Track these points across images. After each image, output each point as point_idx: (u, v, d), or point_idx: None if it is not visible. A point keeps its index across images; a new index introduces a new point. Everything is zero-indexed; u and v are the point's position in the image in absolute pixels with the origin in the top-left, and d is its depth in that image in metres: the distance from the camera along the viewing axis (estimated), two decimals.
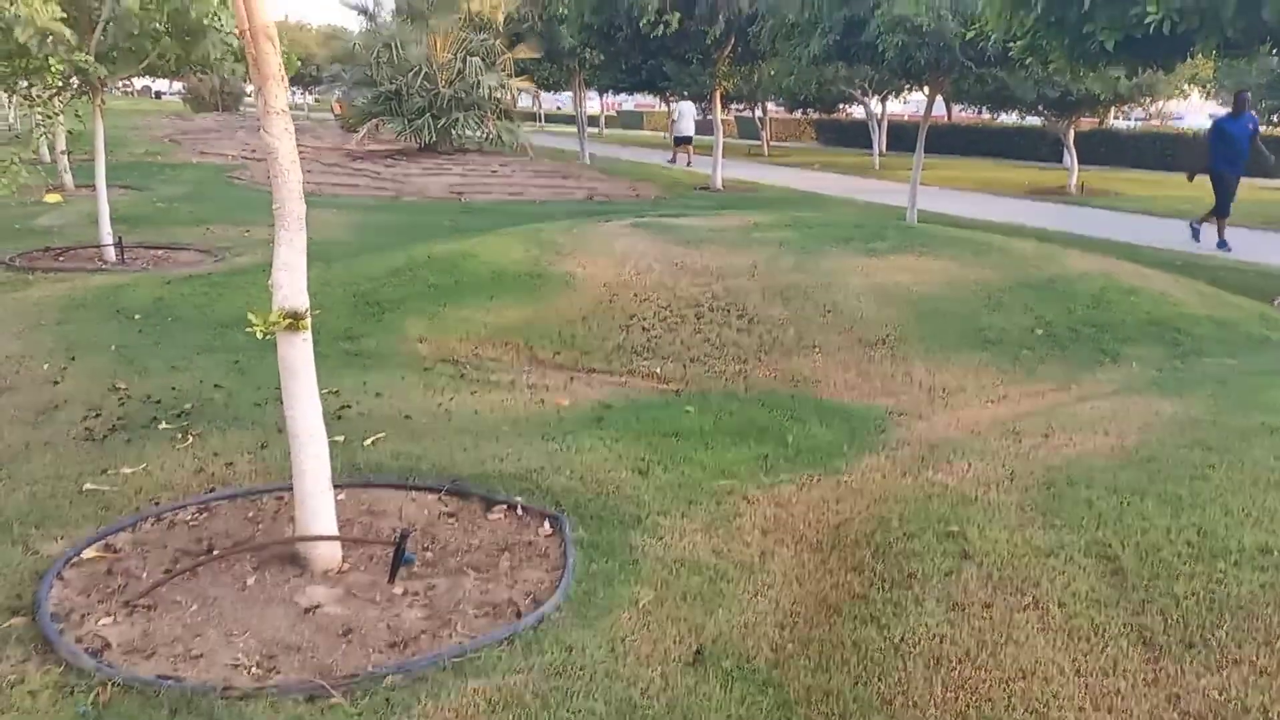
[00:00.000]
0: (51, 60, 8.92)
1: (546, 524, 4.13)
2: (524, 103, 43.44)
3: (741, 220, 9.79)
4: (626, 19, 19.26)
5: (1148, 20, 7.75)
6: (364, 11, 24.31)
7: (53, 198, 10.60)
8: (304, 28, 44.48)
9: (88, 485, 4.34)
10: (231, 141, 26.82)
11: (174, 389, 5.72)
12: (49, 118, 9.87)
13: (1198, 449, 4.18)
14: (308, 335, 3.64)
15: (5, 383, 5.83)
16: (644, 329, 6.94)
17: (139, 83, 51.02)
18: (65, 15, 9.02)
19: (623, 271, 7.85)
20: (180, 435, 4.98)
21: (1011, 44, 9.85)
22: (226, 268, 10.05)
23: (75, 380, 5.87)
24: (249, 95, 45.43)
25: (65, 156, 15.96)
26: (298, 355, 3.62)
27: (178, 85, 49.90)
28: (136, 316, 7.60)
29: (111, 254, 10.42)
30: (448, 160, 21.40)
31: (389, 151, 22.74)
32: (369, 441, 4.96)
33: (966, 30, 11.29)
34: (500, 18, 21.90)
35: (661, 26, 18.25)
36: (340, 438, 4.86)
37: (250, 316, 3.55)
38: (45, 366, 6.14)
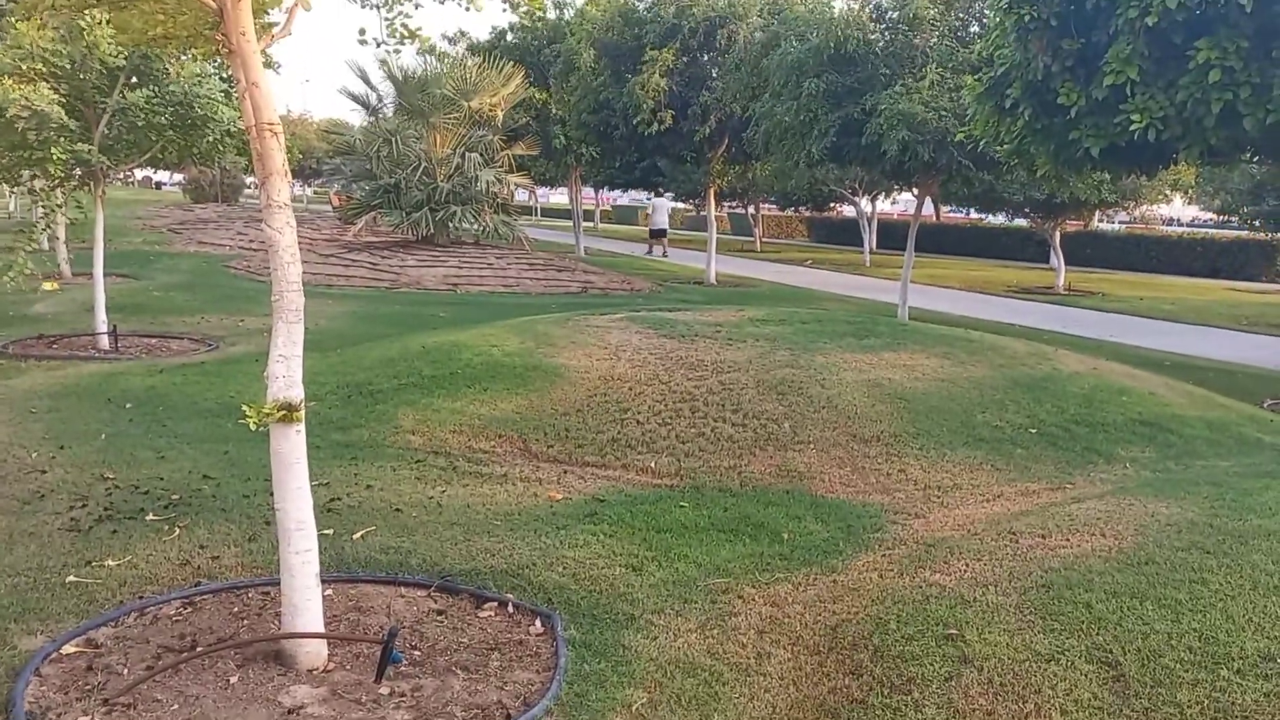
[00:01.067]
0: (54, 150, 9.07)
1: (538, 622, 4.06)
2: (521, 196, 44.36)
3: (736, 315, 9.85)
4: (623, 118, 19.77)
5: (1132, 128, 7.94)
6: (365, 104, 24.81)
7: (50, 285, 10.66)
8: (306, 121, 45.39)
9: (71, 577, 4.26)
10: (229, 232, 27.09)
11: (162, 479, 5.67)
12: (51, 210, 10.00)
13: (1195, 552, 4.15)
14: (301, 427, 3.62)
15: None
16: (638, 422, 6.92)
17: (140, 173, 51.79)
18: (64, 103, 9.20)
19: (617, 364, 7.87)
20: (167, 527, 4.91)
21: (998, 148, 10.08)
22: (220, 357, 10.06)
23: (63, 469, 5.81)
24: (249, 187, 46.13)
25: (64, 245, 16.10)
26: (291, 447, 3.60)
27: (178, 176, 50.64)
28: (128, 405, 7.57)
29: (105, 342, 10.43)
30: (444, 252, 21.62)
31: (386, 243, 22.98)
32: (358, 535, 4.89)
33: (959, 131, 11.56)
34: (500, 115, 22.38)
35: (656, 124, 18.74)
36: (329, 531, 4.80)
37: (244, 408, 3.54)
38: (34, 455, 6.08)
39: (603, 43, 20.24)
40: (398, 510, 5.31)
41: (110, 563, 4.44)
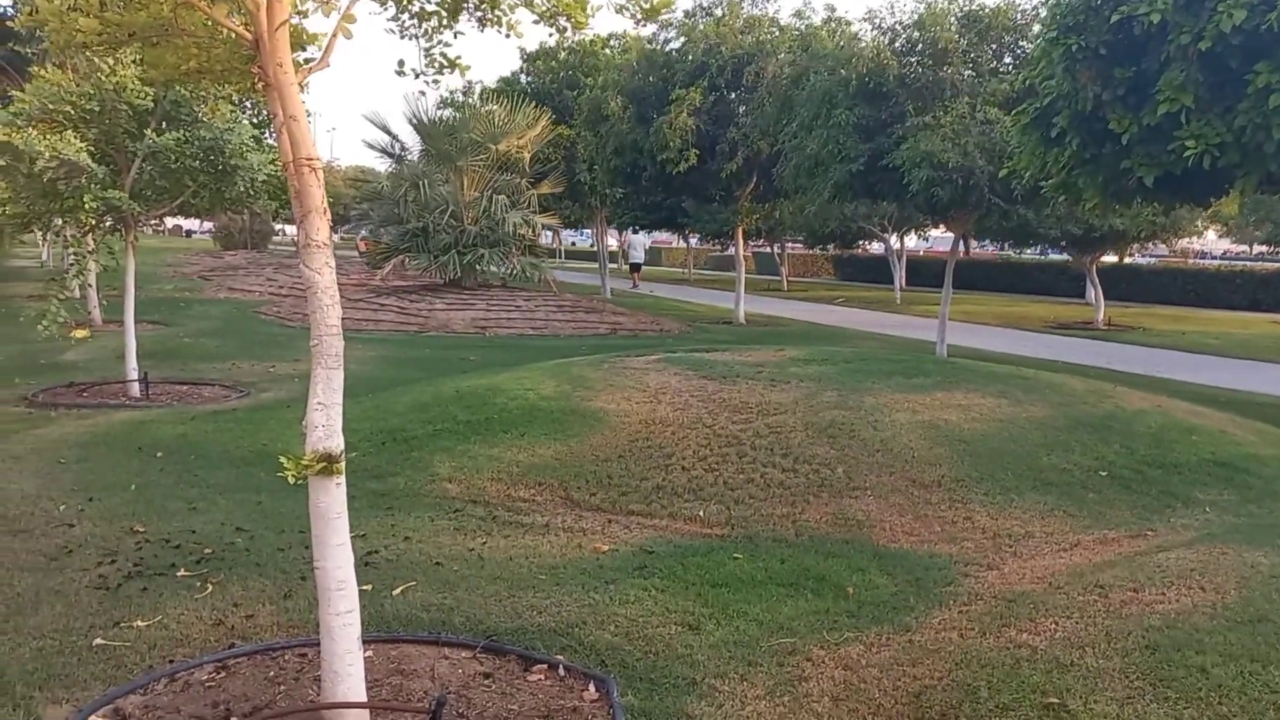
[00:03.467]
0: (85, 198, 8.99)
1: (592, 686, 3.77)
2: (545, 238, 44.64)
3: (775, 355, 9.57)
4: (649, 158, 19.64)
5: (1186, 155, 7.66)
6: (389, 153, 24.91)
7: (80, 333, 10.55)
8: (333, 168, 45.80)
9: (98, 640, 4.02)
10: (259, 278, 27.18)
11: (194, 532, 5.44)
12: (82, 257, 9.92)
13: None
14: (342, 480, 3.37)
15: (19, 525, 5.55)
16: (684, 468, 6.64)
17: (170, 221, 52.40)
18: (94, 150, 9.13)
19: (658, 408, 7.60)
20: (199, 583, 4.67)
21: (1044, 182, 9.81)
22: (251, 404, 9.88)
23: (92, 522, 5.60)
24: (279, 234, 46.52)
25: (95, 292, 16.09)
26: (331, 501, 3.34)
27: (208, 224, 51.21)
28: (158, 454, 7.37)
29: (136, 389, 10.28)
30: (471, 295, 21.51)
31: (414, 286, 22.91)
32: (398, 591, 4.64)
33: (998, 169, 11.30)
34: (527, 158, 22.37)
35: (684, 161, 18.60)
36: (368, 586, 4.54)
37: (283, 460, 3.29)
38: (62, 507, 5.88)
39: (629, 88, 20.22)
40: (438, 564, 5.05)
41: (139, 623, 4.19)
